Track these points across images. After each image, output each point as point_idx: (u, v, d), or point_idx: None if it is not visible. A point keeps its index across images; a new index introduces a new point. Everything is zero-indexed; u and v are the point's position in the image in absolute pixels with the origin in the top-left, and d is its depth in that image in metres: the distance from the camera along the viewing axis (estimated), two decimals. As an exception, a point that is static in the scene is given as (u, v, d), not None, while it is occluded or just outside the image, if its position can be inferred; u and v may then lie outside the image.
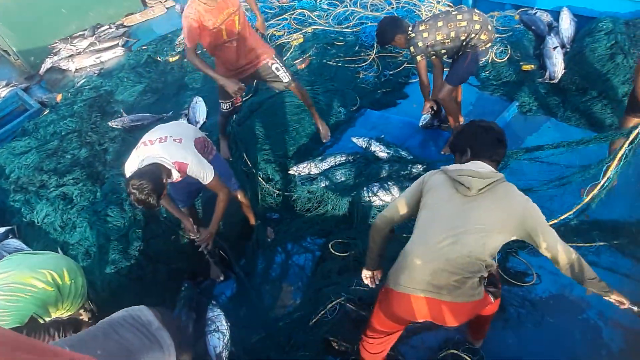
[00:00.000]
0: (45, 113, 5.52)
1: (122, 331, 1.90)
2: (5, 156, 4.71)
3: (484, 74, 4.56)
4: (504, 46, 4.62)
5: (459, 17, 3.13)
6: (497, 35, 4.71)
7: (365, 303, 2.75)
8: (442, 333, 2.65)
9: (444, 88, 3.39)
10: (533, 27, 4.70)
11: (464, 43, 3.19)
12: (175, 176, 2.57)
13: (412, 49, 3.25)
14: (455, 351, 2.49)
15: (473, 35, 3.13)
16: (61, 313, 2.47)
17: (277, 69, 3.51)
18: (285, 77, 3.55)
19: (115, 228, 3.50)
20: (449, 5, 5.35)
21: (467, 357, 2.45)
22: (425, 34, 3.18)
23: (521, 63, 4.43)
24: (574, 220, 2.95)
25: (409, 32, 3.25)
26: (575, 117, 3.82)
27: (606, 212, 2.96)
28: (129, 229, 3.47)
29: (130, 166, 2.54)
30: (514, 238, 1.88)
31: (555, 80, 4.11)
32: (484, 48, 3.22)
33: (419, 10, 5.33)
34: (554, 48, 4.22)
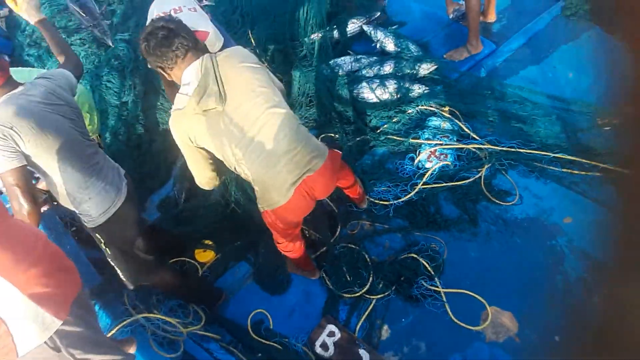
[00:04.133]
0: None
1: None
2: (22, 7, 4.69)
3: (539, -40, 3.91)
4: None
5: None
6: None
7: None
8: (409, 237, 2.71)
9: None
10: None
11: None
12: None
13: None
14: (414, 255, 2.56)
15: None
16: None
17: None
18: None
19: (116, 94, 3.56)
20: None
21: (425, 263, 2.53)
22: None
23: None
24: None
25: None
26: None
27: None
28: (128, 97, 3.52)
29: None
30: None
31: (617, -21, 3.48)
32: None
33: None
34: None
